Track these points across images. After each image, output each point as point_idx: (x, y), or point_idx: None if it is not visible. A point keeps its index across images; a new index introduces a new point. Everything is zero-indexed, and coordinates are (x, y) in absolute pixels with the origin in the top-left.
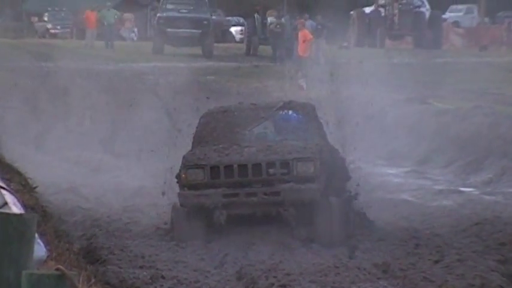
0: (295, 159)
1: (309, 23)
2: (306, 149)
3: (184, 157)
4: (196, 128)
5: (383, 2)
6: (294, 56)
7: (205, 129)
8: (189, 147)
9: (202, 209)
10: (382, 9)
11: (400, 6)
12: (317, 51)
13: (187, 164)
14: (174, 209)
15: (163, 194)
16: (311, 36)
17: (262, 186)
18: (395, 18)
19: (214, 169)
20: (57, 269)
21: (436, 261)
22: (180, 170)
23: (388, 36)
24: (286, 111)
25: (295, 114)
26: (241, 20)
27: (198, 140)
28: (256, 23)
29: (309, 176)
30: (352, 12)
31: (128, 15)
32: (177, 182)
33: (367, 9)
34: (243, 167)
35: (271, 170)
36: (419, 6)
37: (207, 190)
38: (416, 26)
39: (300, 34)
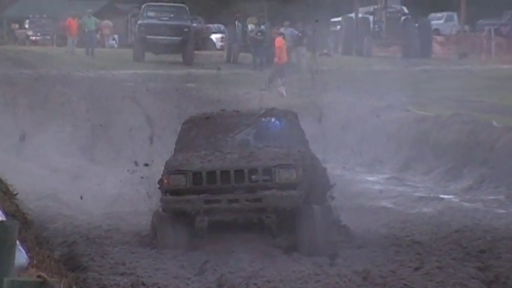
0: (277, 166)
1: (289, 30)
2: (288, 156)
3: (166, 162)
4: (179, 134)
5: (371, 9)
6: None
7: (188, 135)
8: (169, 154)
9: (183, 214)
10: (370, 17)
11: (387, 14)
12: (297, 59)
13: (170, 170)
14: (156, 215)
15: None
16: (283, 43)
17: (245, 192)
18: (383, 26)
19: (196, 175)
20: (39, 276)
21: (416, 268)
22: (162, 176)
23: (376, 45)
24: (268, 118)
25: (277, 122)
26: (222, 27)
27: (180, 146)
28: (237, 30)
29: (291, 182)
30: (339, 19)
31: (106, 23)
32: (159, 188)
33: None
34: (225, 173)
35: (253, 177)
36: (407, 14)
37: (189, 196)
38: (404, 34)
39: (275, 41)
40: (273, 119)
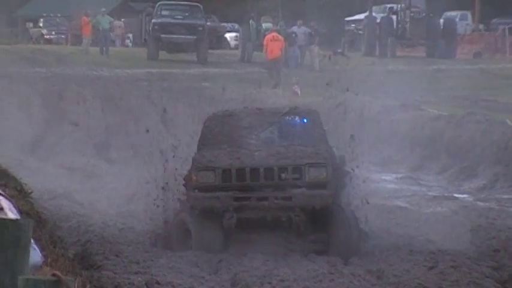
0: (307, 164)
1: (302, 29)
2: (318, 155)
3: (194, 159)
4: (202, 131)
5: (394, 8)
6: (289, 62)
7: (211, 132)
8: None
9: (212, 211)
10: (393, 17)
11: (412, 14)
12: (310, 58)
13: (199, 166)
14: (187, 214)
15: (163, 188)
16: (276, 38)
17: (274, 190)
18: (407, 27)
19: (225, 172)
20: (53, 275)
21: (430, 268)
22: (189, 172)
23: (400, 45)
24: (292, 116)
25: (300, 120)
26: (236, 26)
27: (204, 143)
28: (251, 29)
29: (321, 181)
30: (361, 18)
31: (117, 23)
32: (184, 185)
33: (378, 16)
34: (254, 170)
35: (283, 175)
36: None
37: (217, 192)
38: (429, 34)
39: (266, 37)
40: (296, 118)
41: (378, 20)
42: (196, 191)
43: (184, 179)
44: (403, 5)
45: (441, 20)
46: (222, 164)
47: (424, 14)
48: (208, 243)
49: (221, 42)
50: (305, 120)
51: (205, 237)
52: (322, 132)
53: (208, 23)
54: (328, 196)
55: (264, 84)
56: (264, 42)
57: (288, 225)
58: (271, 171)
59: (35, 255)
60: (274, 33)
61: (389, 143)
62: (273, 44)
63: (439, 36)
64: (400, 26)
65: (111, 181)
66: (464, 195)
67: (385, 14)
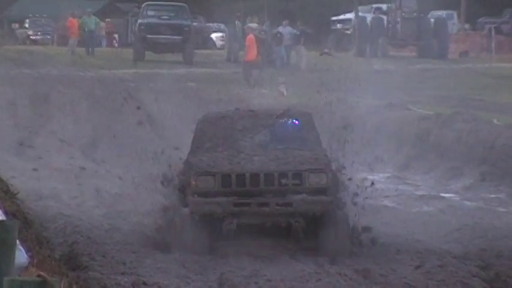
0: (307, 170)
1: (287, 29)
2: (318, 160)
3: (192, 163)
4: (195, 132)
5: (382, 9)
6: (275, 63)
7: (205, 135)
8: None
9: (212, 217)
10: (384, 17)
11: (403, 14)
12: (297, 58)
13: (198, 171)
14: (181, 216)
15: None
16: (253, 40)
17: (274, 196)
18: (398, 26)
19: (225, 177)
20: (39, 276)
21: (417, 267)
22: (187, 176)
23: (391, 45)
24: (285, 119)
25: (294, 123)
26: (222, 26)
27: (198, 145)
28: (237, 29)
29: (321, 187)
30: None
31: (102, 24)
32: (180, 189)
33: (368, 16)
34: (255, 176)
35: (283, 180)
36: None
37: (218, 198)
38: (421, 34)
39: (247, 39)
40: (290, 120)
41: (369, 20)
42: (195, 196)
43: (179, 183)
44: (393, 5)
45: (432, 20)
46: (222, 169)
47: (415, 14)
48: (197, 248)
49: (207, 43)
50: (299, 123)
51: (192, 240)
52: (316, 135)
53: (194, 24)
54: (329, 202)
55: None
56: (247, 43)
57: (287, 231)
58: (271, 177)
59: (21, 256)
60: (254, 35)
61: (376, 142)
62: (254, 46)
63: (430, 36)
64: (390, 26)
65: (98, 182)
66: (451, 195)
67: (375, 15)
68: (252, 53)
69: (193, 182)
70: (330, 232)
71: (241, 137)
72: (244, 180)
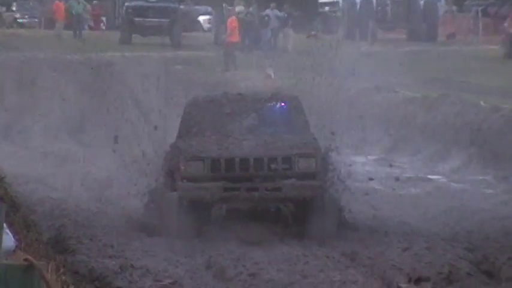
0: (297, 154)
1: (274, 12)
2: (307, 145)
3: (181, 148)
4: (182, 116)
5: None
6: (262, 45)
7: (193, 118)
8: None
9: (201, 202)
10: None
11: None
12: (284, 40)
13: (187, 156)
14: (169, 200)
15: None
16: (235, 24)
17: (263, 181)
18: (388, 9)
19: (214, 162)
20: (26, 260)
21: (405, 249)
22: (176, 161)
23: (381, 28)
24: (273, 103)
25: (282, 107)
26: (209, 9)
27: (186, 129)
28: (225, 12)
29: (311, 172)
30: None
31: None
32: (168, 172)
33: None
34: (244, 161)
35: (272, 165)
36: None
37: (207, 183)
38: (410, 17)
39: (228, 22)
40: (278, 104)
41: (358, 3)
42: (184, 180)
43: (167, 167)
44: None
45: (421, 2)
46: (211, 153)
47: None
48: (184, 233)
49: (194, 25)
50: (287, 107)
51: (180, 225)
52: (305, 119)
53: (182, 6)
54: (318, 187)
55: (238, 67)
56: (229, 26)
57: (276, 216)
58: (261, 162)
59: (8, 240)
60: (234, 18)
61: (363, 125)
62: (236, 29)
63: (420, 19)
64: (380, 8)
65: (85, 165)
66: (438, 177)
67: None
68: (234, 35)
69: (182, 167)
70: (318, 217)
71: (230, 120)
72: (233, 165)
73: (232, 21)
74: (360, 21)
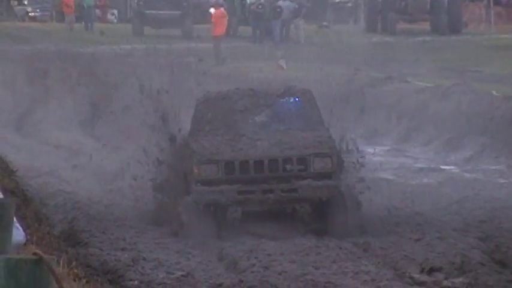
0: (312, 154)
1: (286, 3)
2: (323, 144)
3: (195, 151)
4: (194, 113)
5: None
6: (274, 37)
7: (205, 116)
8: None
9: (216, 205)
10: None
11: None
12: (296, 31)
13: (201, 159)
14: (185, 206)
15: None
16: (219, 15)
17: (279, 182)
18: (409, 1)
19: (228, 165)
20: (35, 254)
21: (417, 240)
22: (191, 164)
23: (402, 20)
24: (286, 98)
25: (295, 102)
26: (221, 0)
27: (198, 128)
28: (236, 4)
29: (327, 172)
30: None
31: None
32: (184, 176)
33: None
34: (258, 162)
35: (288, 166)
36: None
37: (221, 186)
38: (432, 9)
39: (213, 14)
40: (291, 99)
41: None
42: (198, 184)
43: (181, 169)
44: None
45: None
46: (225, 156)
47: None
48: (201, 236)
49: (206, 17)
50: (300, 101)
51: (200, 231)
52: (318, 113)
53: None
54: (335, 186)
55: (250, 58)
56: (213, 19)
57: (293, 217)
58: (275, 163)
59: (18, 234)
60: (222, 10)
61: (375, 115)
62: (222, 21)
63: (442, 11)
64: (399, 1)
65: (97, 158)
66: (451, 167)
67: None
68: (219, 28)
69: (196, 170)
70: (340, 215)
71: (242, 118)
72: (248, 167)
73: (216, 14)
74: (382, 13)
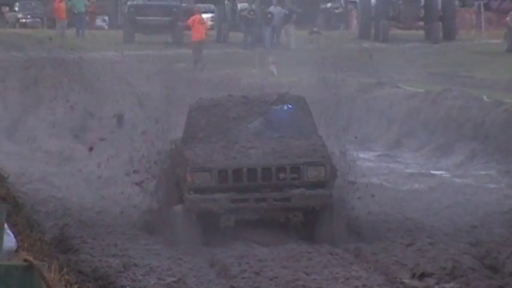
0: (305, 163)
1: (277, 9)
2: (316, 152)
3: (188, 159)
4: (187, 121)
5: None
6: (265, 42)
7: (197, 123)
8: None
9: (209, 214)
10: None
11: None
12: (286, 37)
13: (194, 167)
14: (175, 213)
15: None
16: (197, 21)
17: (272, 191)
18: (402, 8)
19: (222, 173)
20: (25, 260)
21: (408, 245)
22: (183, 172)
23: (397, 28)
24: (280, 105)
25: (289, 109)
26: (212, 6)
27: (191, 135)
28: (227, 10)
29: (320, 181)
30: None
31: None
32: (176, 183)
33: None
34: (252, 171)
35: (281, 175)
36: None
37: (214, 195)
38: (426, 16)
39: (191, 20)
40: (285, 107)
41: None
42: (191, 192)
43: (174, 176)
44: None
45: (439, 1)
46: (218, 164)
47: None
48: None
49: None
50: (293, 109)
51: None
52: (312, 121)
53: (183, 4)
54: (328, 196)
55: (241, 64)
56: (190, 23)
57: (284, 224)
58: (269, 172)
59: (9, 240)
60: (200, 16)
61: (366, 121)
62: (199, 27)
63: (436, 19)
64: (392, 8)
65: (88, 164)
66: (442, 172)
67: None
68: (196, 33)
69: (189, 178)
70: (328, 224)
71: (235, 125)
72: (241, 175)
73: (193, 20)
74: (375, 20)
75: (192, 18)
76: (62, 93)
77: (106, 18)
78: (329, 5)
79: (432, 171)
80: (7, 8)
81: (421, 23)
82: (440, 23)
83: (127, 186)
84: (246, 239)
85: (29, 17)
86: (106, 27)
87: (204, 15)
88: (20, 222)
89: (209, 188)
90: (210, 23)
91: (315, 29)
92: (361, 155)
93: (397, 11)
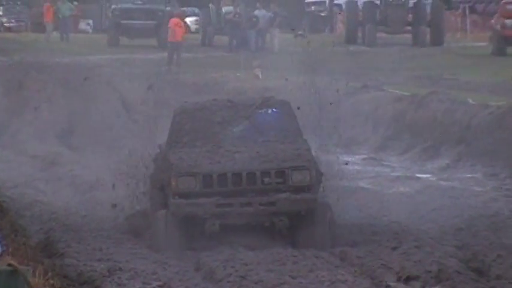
0: (290, 167)
1: (262, 12)
2: (301, 157)
3: (173, 163)
4: (171, 125)
5: None
6: (251, 46)
7: (182, 127)
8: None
9: (194, 218)
10: (377, 1)
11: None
12: (270, 40)
13: (178, 171)
14: (159, 217)
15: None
16: (176, 23)
17: (257, 195)
18: (389, 13)
19: (206, 177)
20: (10, 265)
21: (394, 248)
22: (168, 177)
23: (384, 32)
24: (265, 109)
25: (274, 113)
26: (196, 10)
27: (176, 140)
28: (211, 13)
29: (305, 185)
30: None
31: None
32: (160, 188)
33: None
34: (237, 175)
35: (266, 179)
36: None
37: (199, 199)
38: (414, 21)
39: (170, 22)
40: (269, 111)
41: (360, 5)
42: (176, 197)
43: (158, 181)
44: None
45: (428, 6)
46: (203, 169)
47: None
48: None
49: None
50: (278, 113)
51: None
52: (296, 125)
53: (168, 8)
54: (313, 200)
55: (226, 68)
56: (170, 25)
57: (271, 230)
58: (253, 176)
59: None
60: (178, 19)
61: (351, 124)
62: (177, 29)
63: (423, 23)
64: (379, 12)
65: (73, 168)
66: (427, 175)
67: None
68: (176, 34)
69: (174, 183)
70: (310, 229)
71: (220, 129)
72: (226, 180)
73: (173, 22)
74: (363, 24)
75: (171, 20)
76: (46, 97)
77: (90, 22)
78: (313, 8)
79: (418, 175)
80: None
81: (409, 28)
82: (428, 28)
83: (111, 190)
84: (232, 243)
85: (13, 21)
86: (90, 31)
87: (189, 19)
88: (4, 226)
89: (194, 193)
90: (194, 26)
91: (300, 32)
92: (347, 158)
93: (384, 15)
